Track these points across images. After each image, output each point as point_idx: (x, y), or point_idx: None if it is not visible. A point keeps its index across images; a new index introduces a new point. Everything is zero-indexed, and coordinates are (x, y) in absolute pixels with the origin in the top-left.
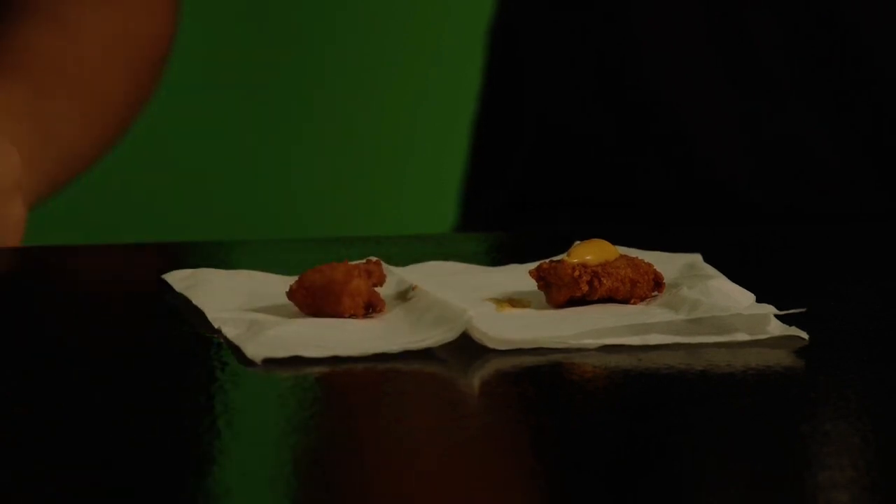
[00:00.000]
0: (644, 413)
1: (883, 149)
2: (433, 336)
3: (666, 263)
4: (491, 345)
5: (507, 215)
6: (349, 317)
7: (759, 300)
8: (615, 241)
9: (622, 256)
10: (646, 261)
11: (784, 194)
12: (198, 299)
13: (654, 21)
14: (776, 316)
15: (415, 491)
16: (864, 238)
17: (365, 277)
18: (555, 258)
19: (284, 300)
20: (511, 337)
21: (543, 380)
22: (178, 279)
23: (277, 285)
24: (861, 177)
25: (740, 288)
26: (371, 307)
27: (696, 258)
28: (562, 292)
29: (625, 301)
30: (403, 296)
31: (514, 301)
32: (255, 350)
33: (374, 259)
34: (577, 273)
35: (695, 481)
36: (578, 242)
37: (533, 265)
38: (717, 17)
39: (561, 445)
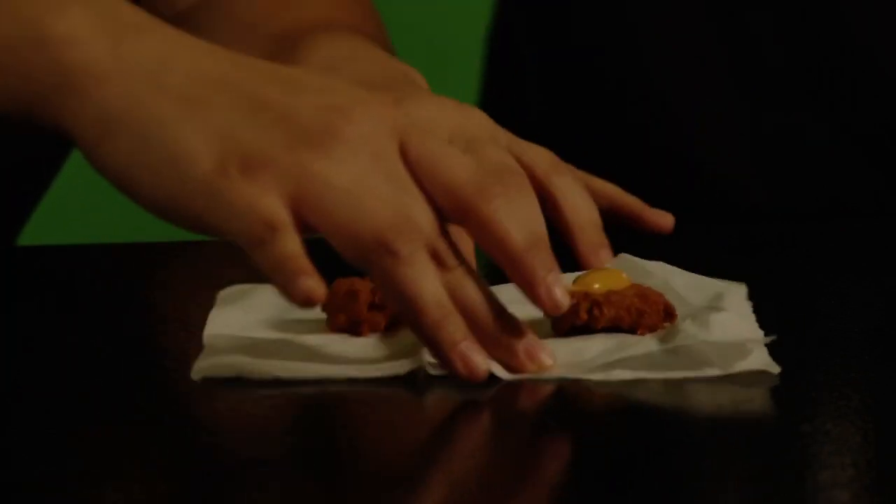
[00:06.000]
0: (644, 414)
1: (883, 147)
2: (384, 367)
3: (696, 290)
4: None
5: None
6: (337, 331)
7: (759, 299)
8: (615, 241)
9: (633, 285)
10: (657, 290)
11: (785, 192)
12: (214, 311)
13: (655, 21)
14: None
15: (414, 496)
16: (865, 236)
17: (352, 298)
18: None
19: (289, 319)
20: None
21: (543, 382)
22: (226, 293)
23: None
24: (862, 175)
25: (752, 326)
26: (355, 327)
27: (730, 288)
28: (563, 321)
29: (631, 330)
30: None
31: None
32: (199, 367)
33: None
34: (576, 302)
35: (695, 481)
36: (589, 271)
37: None
38: (719, 16)
39: (561, 446)
